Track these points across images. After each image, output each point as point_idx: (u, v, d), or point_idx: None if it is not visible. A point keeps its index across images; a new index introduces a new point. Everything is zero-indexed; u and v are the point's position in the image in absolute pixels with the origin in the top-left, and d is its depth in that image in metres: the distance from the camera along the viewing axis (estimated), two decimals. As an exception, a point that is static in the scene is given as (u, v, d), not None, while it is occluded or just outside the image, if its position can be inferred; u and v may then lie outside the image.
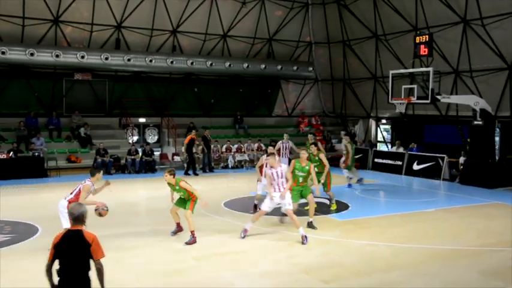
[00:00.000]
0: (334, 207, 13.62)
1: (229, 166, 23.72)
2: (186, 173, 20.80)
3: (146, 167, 21.81)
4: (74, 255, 5.14)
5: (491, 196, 16.47)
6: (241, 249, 9.99)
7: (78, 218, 5.26)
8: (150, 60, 24.00)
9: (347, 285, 8.07)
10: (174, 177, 10.43)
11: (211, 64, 25.38)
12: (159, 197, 16.10)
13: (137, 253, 9.67)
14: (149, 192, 17.47)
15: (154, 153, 22.82)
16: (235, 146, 24.17)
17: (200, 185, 17.34)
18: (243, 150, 24.24)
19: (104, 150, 21.07)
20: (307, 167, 11.59)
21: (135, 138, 24.59)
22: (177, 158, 23.25)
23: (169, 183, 10.55)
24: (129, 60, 23.46)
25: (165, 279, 8.24)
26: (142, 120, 25.24)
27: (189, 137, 21.34)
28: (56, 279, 5.18)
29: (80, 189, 9.38)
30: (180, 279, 8.23)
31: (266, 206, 10.72)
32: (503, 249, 10.11)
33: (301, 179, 11.52)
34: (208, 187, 17.19)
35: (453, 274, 8.58)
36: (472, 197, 16.22)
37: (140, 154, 22.00)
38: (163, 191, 16.86)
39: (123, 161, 21.81)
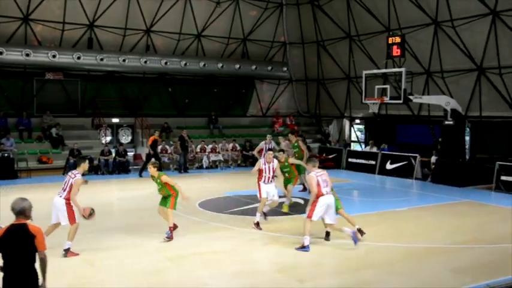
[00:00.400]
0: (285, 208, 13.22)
1: (204, 166, 23.59)
2: (140, 175, 20.50)
3: (120, 167, 21.53)
4: (19, 248, 5.14)
5: (462, 194, 16.79)
6: (216, 249, 9.94)
7: (20, 212, 5.27)
8: (124, 60, 23.72)
9: (322, 284, 8.11)
10: (157, 170, 10.65)
11: (185, 64, 25.23)
12: (133, 197, 15.96)
13: (111, 254, 9.52)
14: (123, 193, 17.24)
15: (128, 153, 22.54)
16: (210, 146, 24.05)
17: (186, 184, 17.19)
18: (217, 150, 24.13)
19: (77, 151, 20.71)
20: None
21: (108, 138, 24.24)
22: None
23: (152, 176, 10.70)
24: (101, 59, 23.13)
25: (139, 280, 8.13)
26: (115, 120, 24.90)
27: (152, 138, 21.05)
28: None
29: (71, 184, 9.35)
30: (154, 280, 8.14)
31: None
32: (475, 247, 10.31)
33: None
34: (182, 187, 17.01)
35: (427, 272, 8.69)
36: (443, 196, 16.49)
37: (113, 155, 21.71)
38: (137, 192, 16.76)
39: (96, 162, 21.46)
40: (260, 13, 27.31)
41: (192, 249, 9.89)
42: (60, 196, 9.37)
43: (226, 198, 15.65)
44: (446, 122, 19.35)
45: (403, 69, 18.33)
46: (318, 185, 9.79)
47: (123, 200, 15.90)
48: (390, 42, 19.04)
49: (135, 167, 22.29)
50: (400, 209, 14.13)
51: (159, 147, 22.76)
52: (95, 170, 21.33)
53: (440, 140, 21.27)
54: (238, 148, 24.57)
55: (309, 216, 9.81)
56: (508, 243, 10.53)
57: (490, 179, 17.97)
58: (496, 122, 20.85)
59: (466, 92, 21.16)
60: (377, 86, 19.77)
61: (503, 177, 17.63)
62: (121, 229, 11.62)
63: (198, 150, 23.84)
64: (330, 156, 24.41)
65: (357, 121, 28.32)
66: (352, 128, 28.58)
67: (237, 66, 26.72)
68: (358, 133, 28.55)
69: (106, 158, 21.38)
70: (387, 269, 8.85)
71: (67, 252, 9.18)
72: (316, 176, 9.89)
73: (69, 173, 9.64)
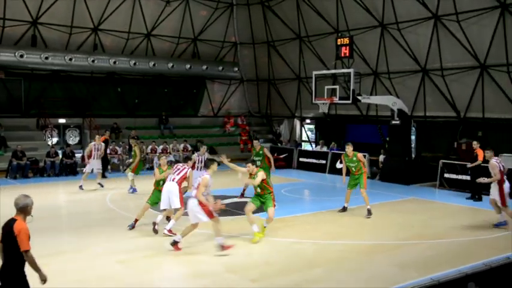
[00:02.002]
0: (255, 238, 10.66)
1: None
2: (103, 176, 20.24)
3: (67, 169, 20.93)
4: (5, 242, 5.42)
5: (408, 192, 17.32)
6: (168, 251, 9.83)
7: (20, 208, 5.54)
8: (70, 59, 23.05)
9: (273, 283, 8.17)
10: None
11: (134, 63, 24.81)
12: (81, 200, 15.54)
13: (58, 259, 9.23)
14: (70, 196, 16.74)
15: (76, 155, 21.92)
16: (161, 146, 23.73)
17: (126, 187, 16.90)
18: (168, 151, 23.85)
19: (21, 152, 19.97)
20: (354, 158, 12.99)
21: (55, 139, 23.51)
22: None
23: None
24: (46, 58, 22.39)
25: (87, 285, 7.93)
26: (62, 121, 24.16)
27: (102, 138, 20.64)
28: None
29: (198, 183, 9.50)
30: (103, 285, 7.95)
31: None
32: (420, 242, 10.67)
33: (354, 169, 13.12)
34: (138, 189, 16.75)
35: (375, 268, 8.93)
36: (391, 194, 16.96)
37: (60, 156, 21.07)
38: (86, 195, 16.33)
39: (41, 164, 20.78)
40: (210, 13, 27.22)
41: (143, 252, 9.74)
42: (192, 196, 9.62)
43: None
44: (393, 122, 19.91)
45: (351, 70, 18.71)
46: (501, 171, 10.84)
47: (71, 203, 15.45)
48: (339, 43, 19.37)
49: (83, 168, 21.66)
50: (349, 207, 14.40)
51: (109, 148, 22.29)
52: (40, 172, 20.66)
53: (387, 139, 21.85)
54: (190, 148, 24.38)
55: (503, 205, 11.14)
56: (451, 238, 10.99)
57: (434, 176, 18.64)
58: (440, 122, 21.65)
59: (411, 93, 21.86)
60: (326, 87, 20.08)
61: (446, 175, 18.33)
62: (69, 233, 11.32)
63: (149, 151, 23.49)
64: (281, 156, 24.60)
65: (308, 121, 28.72)
66: (302, 128, 28.95)
67: (188, 66, 26.53)
68: (309, 133, 28.95)
69: (52, 159, 20.72)
70: (336, 266, 9.03)
71: (220, 247, 9.40)
72: (498, 162, 10.91)
73: (200, 174, 10.08)
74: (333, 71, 20.57)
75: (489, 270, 6.14)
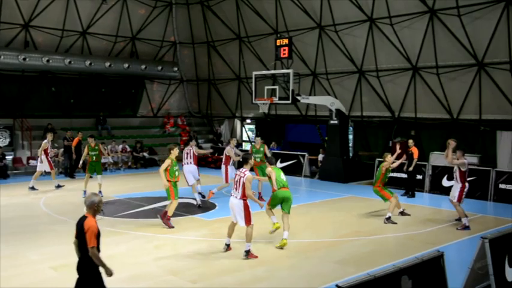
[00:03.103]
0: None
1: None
2: (72, 176, 20.50)
3: (-4, 173, 19.95)
4: (78, 236, 5.88)
5: (347, 190, 17.77)
6: (106, 254, 9.52)
7: (87, 206, 5.95)
8: (-2, 56, 21.92)
9: (214, 283, 8.15)
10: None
11: (69, 62, 23.92)
12: (12, 204, 14.85)
13: (-14, 268, 8.78)
14: (2, 200, 15.95)
15: (6, 157, 20.92)
16: (98, 148, 23.04)
17: (64, 190, 16.33)
18: (106, 152, 23.20)
19: None
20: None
21: (-17, 141, 22.32)
22: (32, 162, 21.52)
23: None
24: (-28, 55, 21.22)
25: (20, 294, 7.59)
26: (-10, 121, 22.97)
27: (76, 139, 20.48)
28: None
29: (243, 183, 9.39)
30: (37, 293, 7.65)
31: None
32: (358, 239, 10.98)
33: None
34: (70, 192, 16.20)
35: (315, 265, 9.09)
36: (330, 192, 17.34)
37: (-11, 159, 20.05)
38: (17, 199, 15.62)
39: (-32, 167, 19.69)
40: (149, 12, 26.74)
41: (79, 257, 9.42)
42: (236, 197, 9.47)
43: (116, 202, 15.12)
44: (332, 122, 20.35)
45: (290, 71, 18.93)
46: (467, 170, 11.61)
47: (3, 208, 14.70)
48: (278, 44, 19.55)
49: (14, 171, 20.78)
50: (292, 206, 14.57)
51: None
52: (-33, 176, 19.58)
53: (326, 138, 22.31)
54: (129, 149, 23.89)
55: (458, 200, 11.71)
56: (387, 234, 11.38)
57: (370, 174, 19.19)
58: (375, 122, 22.36)
59: (348, 93, 22.44)
60: (266, 87, 20.19)
61: (382, 173, 18.92)
62: (1, 239, 10.77)
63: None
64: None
65: (248, 121, 28.84)
66: (243, 128, 29.05)
67: (126, 65, 25.91)
68: (249, 133, 29.09)
69: (-20, 162, 19.68)
70: (278, 265, 9.12)
71: (248, 253, 9.34)
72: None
73: (237, 172, 9.68)
74: (273, 72, 20.72)
75: (421, 263, 6.38)
